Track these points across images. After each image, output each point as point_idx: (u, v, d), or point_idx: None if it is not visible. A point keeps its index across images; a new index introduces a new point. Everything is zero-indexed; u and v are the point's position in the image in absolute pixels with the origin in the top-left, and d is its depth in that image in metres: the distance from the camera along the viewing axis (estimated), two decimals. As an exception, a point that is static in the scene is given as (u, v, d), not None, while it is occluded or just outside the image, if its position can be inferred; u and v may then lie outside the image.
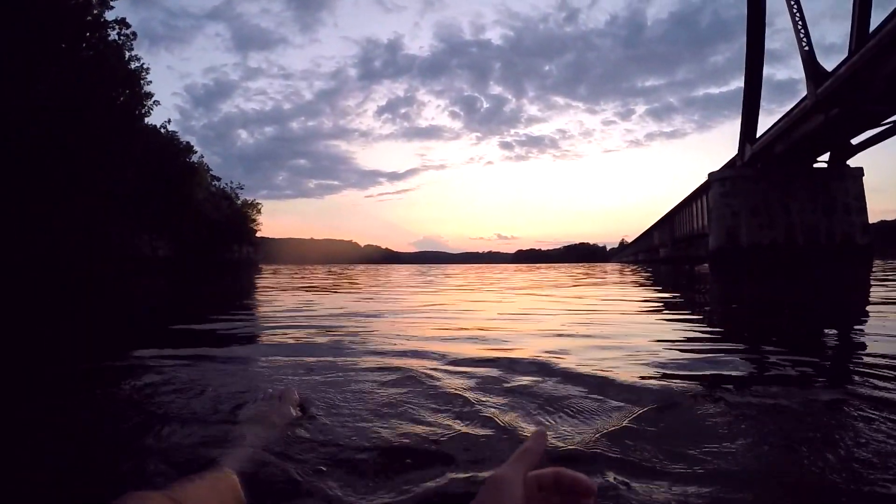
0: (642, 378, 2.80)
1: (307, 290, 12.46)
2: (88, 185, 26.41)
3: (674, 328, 5.27)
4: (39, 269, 22.25)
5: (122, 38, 30.71)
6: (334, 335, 4.67)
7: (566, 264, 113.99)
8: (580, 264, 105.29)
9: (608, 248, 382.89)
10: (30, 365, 3.77)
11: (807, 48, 22.98)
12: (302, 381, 2.72)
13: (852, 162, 27.93)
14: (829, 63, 21.67)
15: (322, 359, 3.34)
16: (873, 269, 23.10)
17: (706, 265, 33.91)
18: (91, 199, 26.80)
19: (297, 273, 31.45)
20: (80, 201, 25.93)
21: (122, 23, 30.28)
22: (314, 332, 4.88)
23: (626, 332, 5.11)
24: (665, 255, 63.46)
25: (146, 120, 40.15)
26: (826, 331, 5.61)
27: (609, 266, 65.72)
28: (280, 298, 9.78)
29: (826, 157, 27.93)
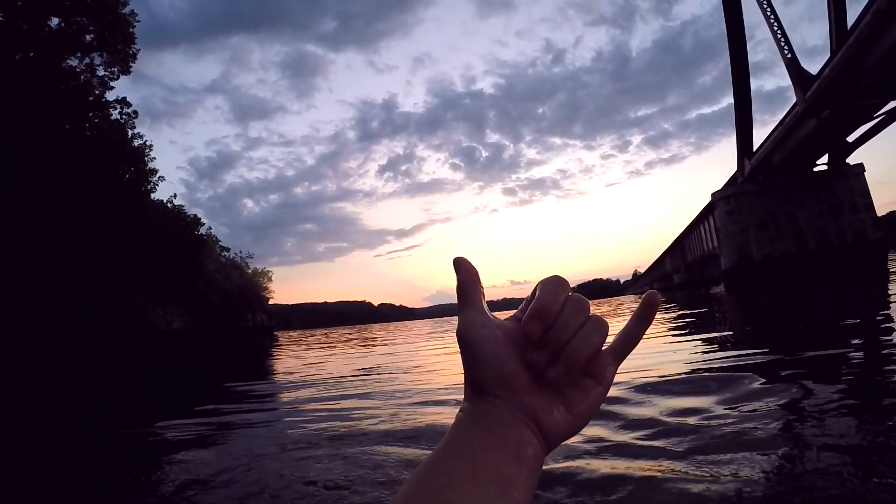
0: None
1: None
2: (97, 252, 26.76)
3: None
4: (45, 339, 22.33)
5: (123, 117, 31.85)
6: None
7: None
8: (596, 301, 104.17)
9: (622, 280, 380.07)
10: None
11: (789, 55, 23.28)
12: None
13: (852, 159, 27.77)
14: (815, 65, 21.91)
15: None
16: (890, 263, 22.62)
17: (721, 286, 33.42)
18: (100, 267, 27.09)
19: (312, 339, 31.28)
20: (88, 267, 26.19)
21: (124, 102, 31.49)
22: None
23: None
24: (680, 281, 62.80)
25: (153, 195, 41.09)
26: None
27: (625, 299, 64.95)
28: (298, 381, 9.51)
29: (825, 159, 27.83)
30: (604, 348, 0.44)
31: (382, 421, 3.84)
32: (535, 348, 0.42)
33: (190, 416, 4.61)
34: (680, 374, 4.83)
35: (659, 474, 2.33)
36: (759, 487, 2.10)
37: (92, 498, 2.10)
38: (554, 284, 0.43)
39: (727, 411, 3.27)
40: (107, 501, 1.97)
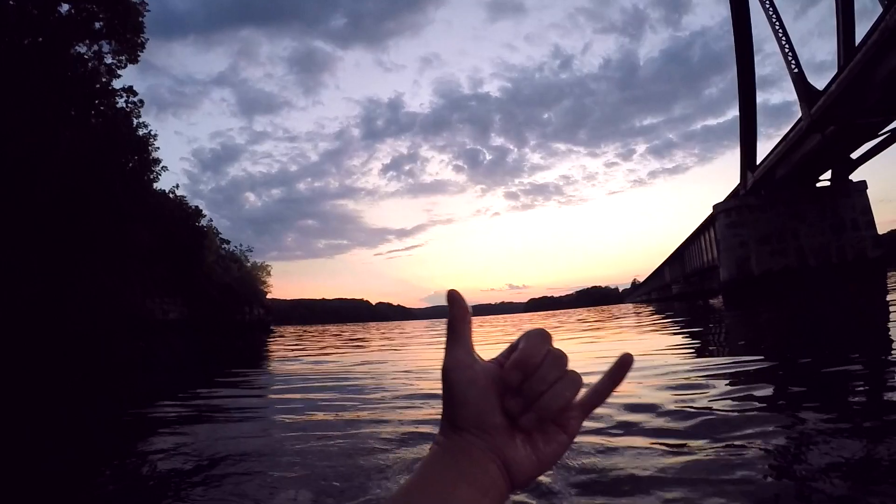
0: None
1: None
2: (101, 245, 26.77)
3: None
4: (47, 326, 22.33)
5: (129, 105, 31.87)
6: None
7: (580, 309, 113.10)
8: (596, 308, 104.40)
9: (620, 289, 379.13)
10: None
11: (796, 70, 23.30)
12: None
13: (854, 176, 27.78)
14: (822, 81, 21.90)
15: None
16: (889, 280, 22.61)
17: (720, 298, 33.41)
18: (103, 260, 27.09)
19: (309, 335, 31.35)
20: (92, 260, 26.19)
21: (130, 91, 31.49)
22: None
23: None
24: (678, 292, 62.74)
25: (155, 185, 41.02)
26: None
27: (623, 307, 64.95)
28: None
29: (828, 174, 27.81)
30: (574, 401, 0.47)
31: (372, 413, 3.84)
32: (513, 395, 0.45)
33: (188, 412, 4.61)
34: (679, 376, 4.86)
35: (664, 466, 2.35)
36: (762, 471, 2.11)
37: (92, 498, 2.11)
38: (538, 337, 0.46)
39: (716, 403, 3.28)
40: (107, 501, 1.98)
